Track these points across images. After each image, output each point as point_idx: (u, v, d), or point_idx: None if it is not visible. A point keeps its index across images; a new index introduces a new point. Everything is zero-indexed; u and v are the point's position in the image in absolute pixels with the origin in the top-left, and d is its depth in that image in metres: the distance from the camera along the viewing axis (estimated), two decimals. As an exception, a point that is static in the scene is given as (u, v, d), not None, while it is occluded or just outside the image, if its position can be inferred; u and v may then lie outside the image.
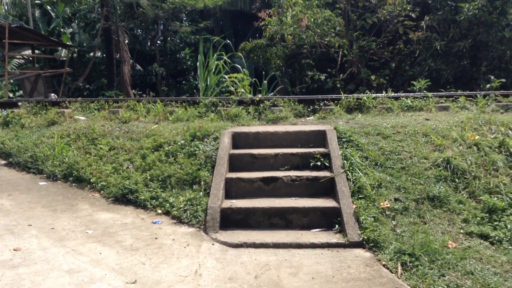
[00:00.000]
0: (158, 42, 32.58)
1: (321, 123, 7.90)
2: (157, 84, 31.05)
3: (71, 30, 29.26)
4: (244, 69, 14.29)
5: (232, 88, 13.44)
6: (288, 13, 13.52)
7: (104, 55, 24.65)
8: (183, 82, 23.86)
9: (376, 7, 15.07)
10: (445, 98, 8.80)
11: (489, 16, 13.09)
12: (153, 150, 7.18)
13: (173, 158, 6.86)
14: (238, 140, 6.97)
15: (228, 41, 15.49)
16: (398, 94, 9.49)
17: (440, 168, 6.14)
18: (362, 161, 6.30)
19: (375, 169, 6.21)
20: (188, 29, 20.02)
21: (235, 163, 6.48)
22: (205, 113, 8.73)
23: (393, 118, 7.90)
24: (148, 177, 6.53)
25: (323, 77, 16.64)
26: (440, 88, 13.88)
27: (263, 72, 15.28)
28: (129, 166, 6.93)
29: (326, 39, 14.60)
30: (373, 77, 14.69)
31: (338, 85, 14.92)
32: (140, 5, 18.04)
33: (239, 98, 9.13)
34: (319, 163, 6.29)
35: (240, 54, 17.08)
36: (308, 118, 8.51)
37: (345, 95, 8.96)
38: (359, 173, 5.96)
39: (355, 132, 7.08)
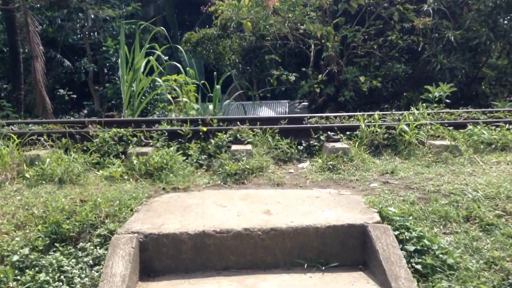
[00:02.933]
0: (91, 33, 27.72)
1: (334, 184, 3.94)
2: (88, 83, 26.17)
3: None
4: (188, 69, 10.17)
5: (169, 96, 9.25)
6: (248, -11, 9.47)
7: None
8: (107, 84, 19.37)
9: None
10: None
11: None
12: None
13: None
14: (156, 256, 2.85)
15: (163, 28, 11.13)
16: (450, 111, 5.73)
17: None
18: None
19: None
20: (110, 13, 15.35)
21: None
22: (102, 158, 4.53)
23: (471, 170, 4.07)
24: None
25: (293, 78, 12.78)
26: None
27: (215, 72, 11.24)
28: None
29: (302, 27, 10.68)
30: (362, 79, 10.97)
31: (317, 89, 11.07)
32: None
33: (171, 128, 5.00)
34: None
35: (181, 48, 12.82)
36: (301, 166, 4.54)
37: (362, 113, 5.08)
38: None
39: (419, 216, 3.20)
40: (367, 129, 4.72)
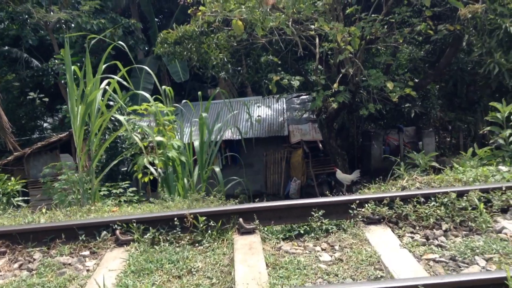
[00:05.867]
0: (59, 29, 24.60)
1: None
2: (59, 85, 23.31)
3: None
4: (164, 87, 7.59)
5: (137, 138, 6.67)
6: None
7: None
8: (59, 107, 16.76)
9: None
10: None
11: None
12: None
13: None
14: None
15: (121, 45, 7.70)
16: None
17: None
18: None
19: None
20: (61, 15, 12.48)
21: None
22: None
23: None
24: None
25: (296, 83, 10.23)
26: None
27: (200, 92, 8.43)
28: None
29: (312, 27, 8.08)
30: (389, 85, 8.46)
31: (334, 104, 8.56)
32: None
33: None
34: None
35: (156, 49, 10.16)
36: None
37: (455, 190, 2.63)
38: None
39: None
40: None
